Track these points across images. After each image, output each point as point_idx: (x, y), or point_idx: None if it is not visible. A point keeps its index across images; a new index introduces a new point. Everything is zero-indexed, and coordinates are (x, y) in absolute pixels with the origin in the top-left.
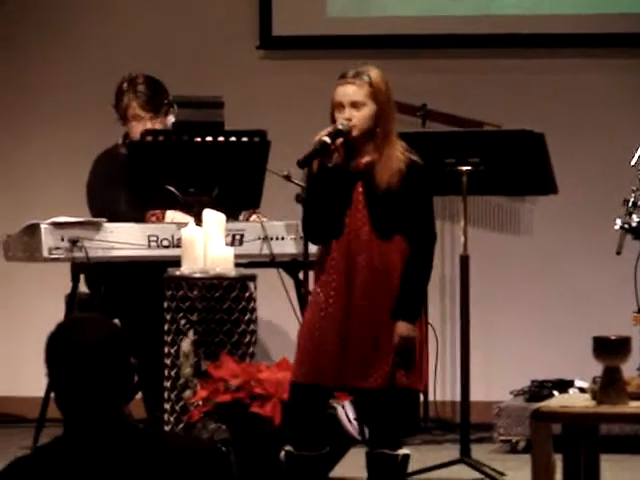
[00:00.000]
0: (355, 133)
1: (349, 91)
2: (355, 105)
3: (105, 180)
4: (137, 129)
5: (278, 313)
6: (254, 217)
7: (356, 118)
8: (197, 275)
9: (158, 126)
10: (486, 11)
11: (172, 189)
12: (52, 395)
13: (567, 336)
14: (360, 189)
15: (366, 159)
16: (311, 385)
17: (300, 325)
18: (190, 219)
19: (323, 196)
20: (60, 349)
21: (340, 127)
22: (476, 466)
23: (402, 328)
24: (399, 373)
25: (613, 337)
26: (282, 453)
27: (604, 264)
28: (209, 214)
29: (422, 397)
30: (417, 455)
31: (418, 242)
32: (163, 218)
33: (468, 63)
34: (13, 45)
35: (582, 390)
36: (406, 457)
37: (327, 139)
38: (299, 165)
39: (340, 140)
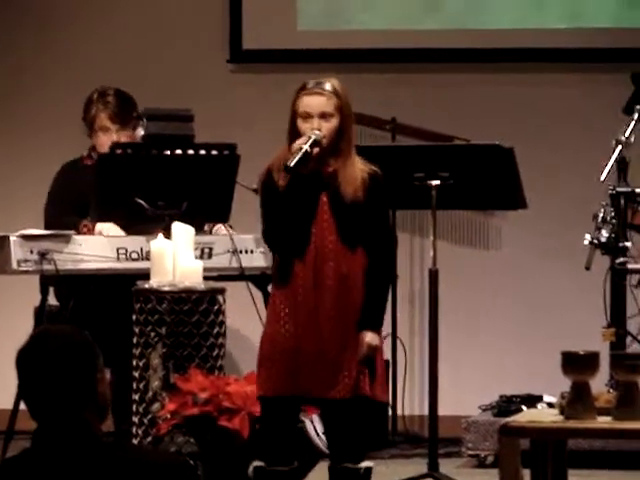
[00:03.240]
0: (325, 143)
1: (318, 102)
2: (324, 116)
3: (62, 191)
4: (103, 141)
5: (247, 326)
6: (218, 226)
7: (325, 129)
8: (166, 288)
9: (125, 139)
10: (456, 25)
11: (141, 202)
12: (21, 407)
13: (536, 351)
14: (325, 199)
15: (330, 169)
16: (278, 398)
17: (261, 339)
18: (121, 232)
19: (293, 205)
20: (32, 360)
21: (314, 137)
22: None
23: (369, 337)
24: (363, 383)
25: (581, 352)
26: (251, 468)
27: (573, 279)
28: (178, 227)
29: (390, 411)
30: (385, 469)
31: (379, 251)
32: (94, 230)
33: (438, 77)
34: None
35: (550, 405)
36: (368, 470)
37: (307, 147)
38: (288, 170)
39: (317, 150)
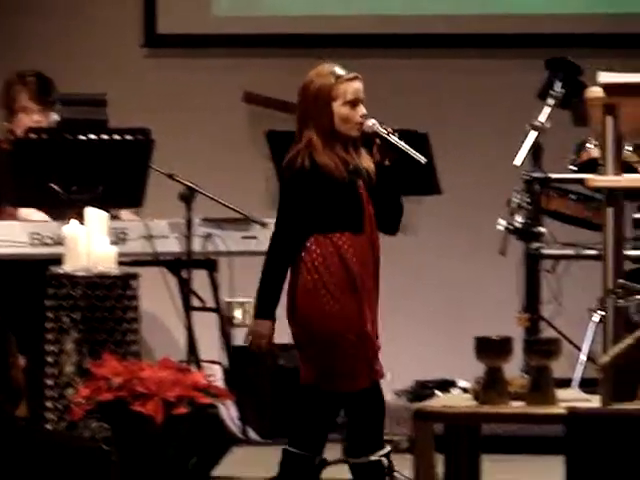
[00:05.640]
0: None
1: (361, 88)
2: (362, 102)
3: None
4: (25, 122)
5: (161, 312)
6: (124, 212)
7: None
8: (80, 273)
9: (44, 121)
10: (376, 11)
11: (55, 187)
12: None
13: (451, 337)
14: (362, 185)
15: (363, 157)
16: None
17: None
18: (46, 217)
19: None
20: None
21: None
22: None
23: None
24: (379, 366)
25: (495, 337)
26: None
27: (488, 265)
28: (92, 212)
29: None
30: None
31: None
32: (16, 215)
33: (356, 63)
34: None
35: (465, 390)
36: (388, 454)
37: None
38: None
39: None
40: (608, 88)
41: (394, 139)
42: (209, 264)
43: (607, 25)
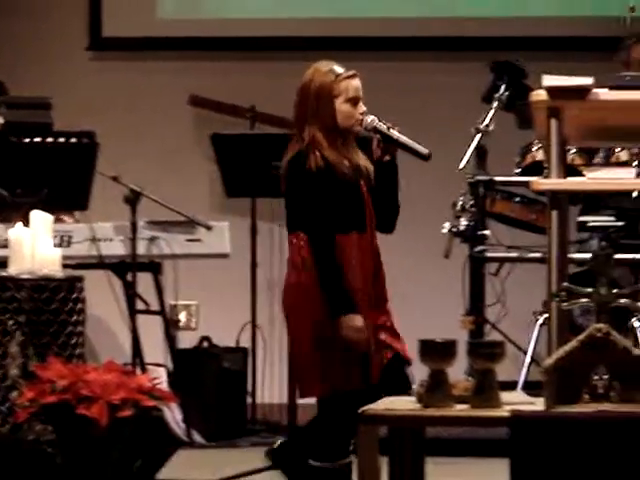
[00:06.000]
0: None
1: (360, 85)
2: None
3: None
4: None
5: (106, 314)
6: (63, 216)
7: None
8: (24, 276)
9: None
10: (316, 14)
11: (0, 190)
12: None
13: None
14: (364, 184)
15: (360, 155)
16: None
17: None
18: None
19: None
20: None
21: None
22: None
23: None
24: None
25: (439, 340)
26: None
27: (432, 267)
28: (36, 215)
29: (250, 399)
30: (244, 457)
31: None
32: None
33: (298, 66)
34: None
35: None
36: None
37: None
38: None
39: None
40: (552, 91)
41: (395, 133)
42: (154, 267)
43: (552, 28)
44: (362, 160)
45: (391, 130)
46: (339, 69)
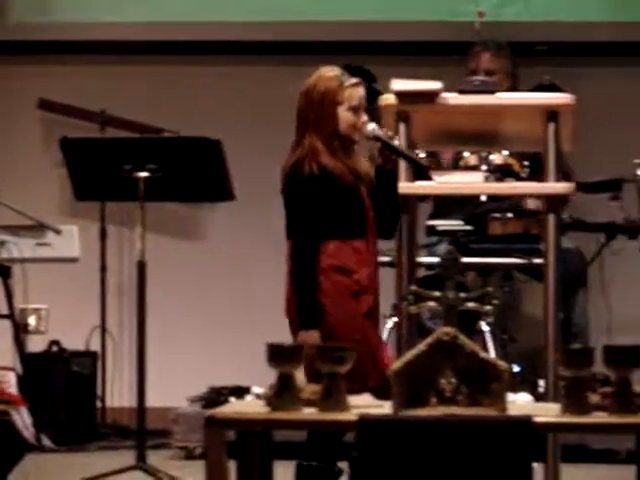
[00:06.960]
0: None
1: (364, 93)
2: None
3: None
4: None
5: None
6: None
7: None
8: None
9: None
10: (167, 18)
11: None
12: None
13: (246, 343)
14: (365, 191)
15: (361, 161)
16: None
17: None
18: None
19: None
20: None
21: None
22: (152, 472)
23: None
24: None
25: (286, 344)
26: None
27: (283, 271)
28: None
29: (100, 403)
30: (92, 461)
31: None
32: None
33: (147, 69)
34: None
35: (259, 397)
36: None
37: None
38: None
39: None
40: (400, 95)
41: (396, 143)
42: (2, 271)
43: (402, 32)
44: (363, 166)
45: (392, 140)
46: (344, 76)
